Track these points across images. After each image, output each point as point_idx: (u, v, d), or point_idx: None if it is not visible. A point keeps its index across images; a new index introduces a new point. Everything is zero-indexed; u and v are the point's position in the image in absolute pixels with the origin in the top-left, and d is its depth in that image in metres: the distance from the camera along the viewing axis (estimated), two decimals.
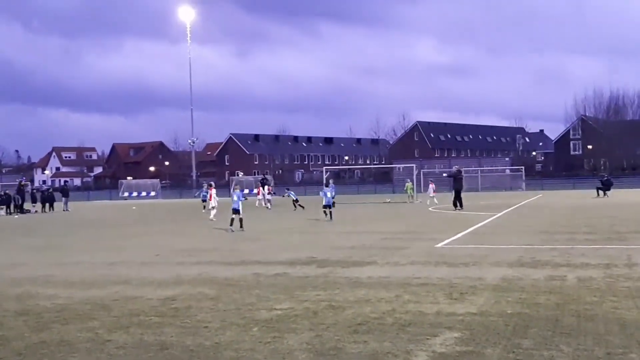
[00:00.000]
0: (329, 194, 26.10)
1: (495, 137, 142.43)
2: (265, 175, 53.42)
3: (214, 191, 28.75)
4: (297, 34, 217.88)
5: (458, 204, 30.69)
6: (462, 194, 31.81)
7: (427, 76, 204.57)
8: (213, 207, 28.06)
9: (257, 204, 42.99)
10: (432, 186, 39.48)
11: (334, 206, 27.01)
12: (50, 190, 49.44)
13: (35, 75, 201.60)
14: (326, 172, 51.27)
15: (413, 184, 44.98)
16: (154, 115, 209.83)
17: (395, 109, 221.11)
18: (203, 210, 33.81)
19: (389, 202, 42.65)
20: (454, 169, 33.89)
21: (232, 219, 21.50)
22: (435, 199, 37.79)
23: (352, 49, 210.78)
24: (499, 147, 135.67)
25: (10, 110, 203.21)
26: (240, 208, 21.74)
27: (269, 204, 38.71)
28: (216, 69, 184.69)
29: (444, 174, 33.44)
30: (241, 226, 21.51)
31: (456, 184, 31.82)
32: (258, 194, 45.51)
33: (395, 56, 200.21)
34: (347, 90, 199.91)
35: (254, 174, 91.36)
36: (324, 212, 25.96)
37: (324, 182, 32.19)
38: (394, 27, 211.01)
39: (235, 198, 21.95)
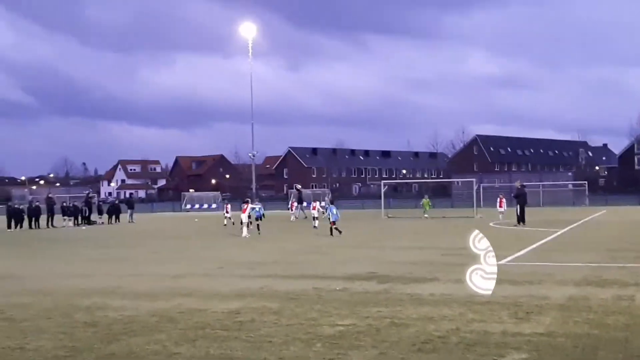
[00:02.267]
0: (334, 211, 26.30)
1: (557, 151, 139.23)
2: (301, 190, 51.22)
3: (249, 207, 27.12)
4: (346, 48, 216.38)
5: (520, 220, 30.16)
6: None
7: (480, 89, 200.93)
8: (245, 223, 26.60)
9: (291, 219, 41.70)
10: (502, 200, 38.33)
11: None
12: (116, 202, 50.76)
13: (95, 90, 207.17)
14: (384, 185, 50.96)
15: (430, 200, 45.36)
16: (211, 129, 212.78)
17: (451, 122, 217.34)
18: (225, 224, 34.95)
19: (427, 217, 42.00)
20: (517, 184, 33.29)
21: (258, 225, 27.76)
22: (501, 215, 36.82)
23: (403, 62, 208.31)
24: (561, 161, 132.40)
25: (74, 123, 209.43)
26: (261, 215, 28.77)
27: (315, 222, 32.62)
28: (269, 82, 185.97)
29: (513, 195, 32.95)
30: (258, 229, 27.43)
31: (519, 200, 31.29)
32: (292, 208, 44.52)
33: (447, 68, 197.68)
34: (401, 104, 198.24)
35: (312, 187, 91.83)
36: (331, 228, 25.73)
37: (329, 200, 32.96)
38: (444, 39, 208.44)
39: (257, 209, 28.33)
